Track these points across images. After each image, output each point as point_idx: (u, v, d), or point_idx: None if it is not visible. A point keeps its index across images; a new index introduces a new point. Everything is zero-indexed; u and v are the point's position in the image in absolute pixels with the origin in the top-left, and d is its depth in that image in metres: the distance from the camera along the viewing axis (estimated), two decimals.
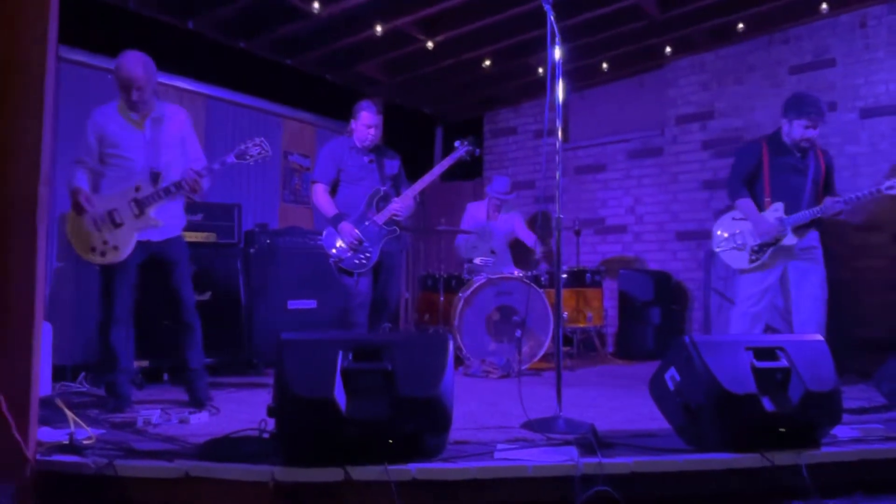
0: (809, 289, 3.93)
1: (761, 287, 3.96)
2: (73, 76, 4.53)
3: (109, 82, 4.67)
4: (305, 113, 6.36)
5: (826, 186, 4.03)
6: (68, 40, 4.37)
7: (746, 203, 3.99)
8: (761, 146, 4.03)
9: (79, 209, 3.17)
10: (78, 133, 4.06)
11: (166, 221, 3.29)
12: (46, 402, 3.06)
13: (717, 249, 4.11)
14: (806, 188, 3.93)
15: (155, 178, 3.24)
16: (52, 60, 2.34)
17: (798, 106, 3.92)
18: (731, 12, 5.31)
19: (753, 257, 3.96)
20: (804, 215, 3.88)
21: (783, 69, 5.60)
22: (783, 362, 2.48)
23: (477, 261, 5.43)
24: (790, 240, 3.89)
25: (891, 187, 3.75)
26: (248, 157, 3.31)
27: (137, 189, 3.20)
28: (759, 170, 3.99)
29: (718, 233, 4.12)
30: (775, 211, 3.92)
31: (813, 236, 4.00)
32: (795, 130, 3.93)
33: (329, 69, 6.06)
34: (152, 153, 3.26)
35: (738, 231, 4.02)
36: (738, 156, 4.15)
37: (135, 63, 3.19)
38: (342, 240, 3.92)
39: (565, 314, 5.23)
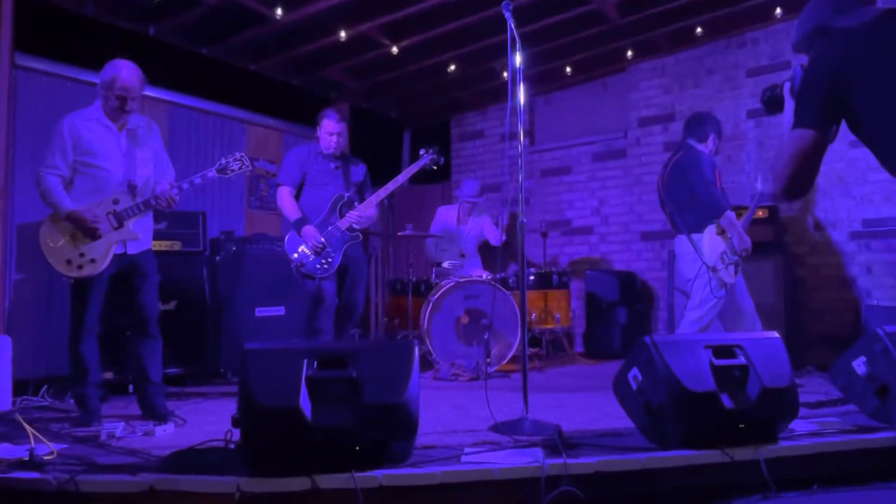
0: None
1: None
2: (30, 84, 4.44)
3: (68, 90, 4.62)
4: (271, 119, 6.32)
5: None
6: (25, 47, 4.29)
7: (733, 215, 3.91)
8: (712, 160, 4.08)
9: (90, 232, 3.09)
10: (36, 143, 3.97)
11: (143, 234, 3.28)
12: (6, 418, 3.01)
13: (718, 270, 3.86)
14: None
15: (133, 190, 3.21)
16: (8, 68, 2.31)
17: (713, 123, 4.15)
18: (690, 16, 5.43)
19: (738, 268, 3.96)
20: (746, 220, 4.06)
21: (741, 72, 5.74)
22: (741, 360, 2.55)
23: (445, 264, 5.46)
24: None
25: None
26: (228, 172, 3.37)
27: (115, 202, 3.16)
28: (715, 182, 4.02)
29: (710, 253, 3.88)
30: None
31: None
32: (711, 145, 4.12)
33: (294, 74, 6.03)
34: (129, 165, 3.23)
35: (726, 246, 3.91)
36: (700, 167, 3.96)
37: (133, 73, 3.19)
38: (305, 244, 3.94)
39: (533, 316, 5.28)
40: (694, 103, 5.93)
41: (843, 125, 1.85)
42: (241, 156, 3.40)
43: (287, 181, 4.13)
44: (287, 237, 4.05)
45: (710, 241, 3.90)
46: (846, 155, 5.13)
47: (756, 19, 5.51)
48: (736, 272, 3.96)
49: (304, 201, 4.12)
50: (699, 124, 4.17)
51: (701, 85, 5.94)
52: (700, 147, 4.10)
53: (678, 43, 5.93)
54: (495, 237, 5.90)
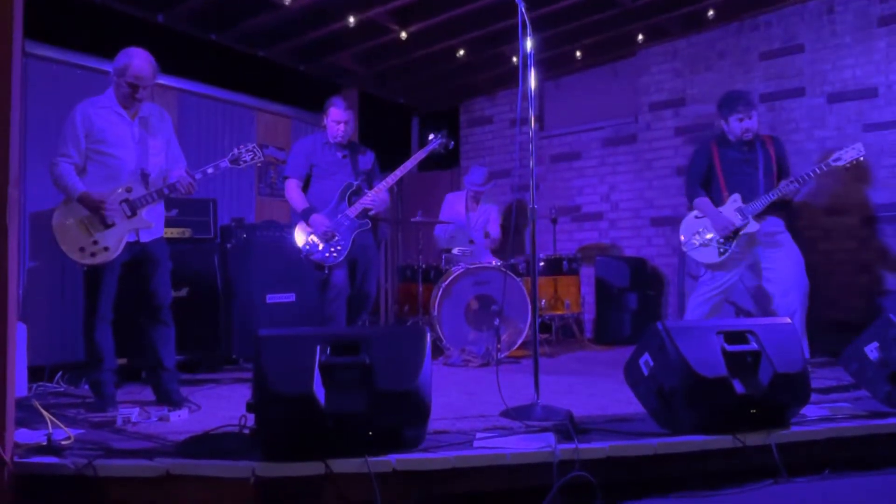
0: (783, 259, 4.08)
1: (730, 280, 4.13)
2: (40, 72, 4.45)
3: (78, 78, 4.64)
4: (280, 105, 6.32)
5: (781, 171, 4.18)
6: (35, 35, 4.30)
7: (703, 201, 4.16)
8: (710, 147, 4.20)
9: (103, 218, 3.11)
10: (47, 131, 3.98)
11: (155, 222, 3.30)
12: (23, 404, 3.04)
13: (686, 249, 4.24)
14: (759, 178, 4.11)
15: (145, 179, 3.22)
16: (18, 56, 2.31)
17: (727, 103, 4.13)
18: None
19: (722, 249, 4.08)
20: (762, 201, 4.04)
21: (753, 56, 5.67)
22: (753, 345, 2.54)
23: (455, 251, 5.46)
24: (752, 227, 4.04)
25: (837, 159, 3.96)
26: (241, 163, 3.38)
27: (129, 190, 3.18)
28: (711, 170, 4.18)
29: (683, 234, 4.25)
30: (734, 202, 4.09)
31: (775, 222, 4.14)
32: (733, 126, 4.11)
33: (302, 61, 6.02)
34: (141, 153, 3.24)
35: (701, 228, 4.15)
36: (691, 159, 4.32)
37: (146, 61, 3.20)
38: (313, 233, 3.95)
39: (543, 302, 5.28)
40: (705, 87, 5.88)
41: None
42: (254, 146, 3.40)
43: (294, 174, 4.15)
44: (295, 228, 4.06)
45: (686, 223, 4.22)
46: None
47: (769, 2, 5.45)
48: (721, 253, 4.06)
49: (313, 191, 4.13)
50: (717, 107, 4.27)
51: (712, 69, 5.89)
52: (726, 128, 4.18)
53: (690, 26, 5.86)
54: (495, 230, 5.93)
